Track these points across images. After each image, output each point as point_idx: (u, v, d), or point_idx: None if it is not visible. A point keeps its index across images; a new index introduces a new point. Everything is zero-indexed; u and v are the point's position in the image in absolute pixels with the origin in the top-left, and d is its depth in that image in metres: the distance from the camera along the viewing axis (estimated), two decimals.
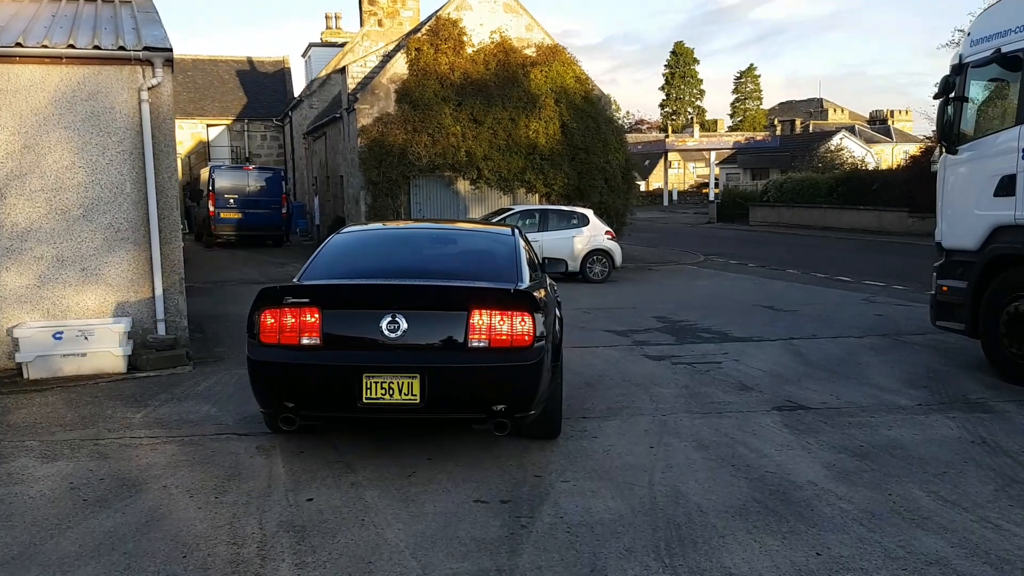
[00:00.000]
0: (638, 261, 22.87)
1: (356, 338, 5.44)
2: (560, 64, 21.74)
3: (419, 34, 21.21)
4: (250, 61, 43.47)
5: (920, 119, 60.32)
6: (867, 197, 34.35)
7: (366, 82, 21.91)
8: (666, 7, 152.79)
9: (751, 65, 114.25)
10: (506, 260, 6.41)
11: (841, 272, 19.75)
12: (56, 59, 8.67)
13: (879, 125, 71.48)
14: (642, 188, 79.78)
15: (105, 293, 9.01)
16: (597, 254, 18.35)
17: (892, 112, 75.12)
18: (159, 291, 9.08)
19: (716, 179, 61.89)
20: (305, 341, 5.34)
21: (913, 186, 31.12)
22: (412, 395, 5.22)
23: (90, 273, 8.94)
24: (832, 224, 35.92)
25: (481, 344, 5.33)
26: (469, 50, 21.04)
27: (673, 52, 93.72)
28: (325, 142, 27.32)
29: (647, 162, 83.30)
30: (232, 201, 25.60)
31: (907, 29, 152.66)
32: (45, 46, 8.64)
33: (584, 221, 18.67)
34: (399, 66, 20.69)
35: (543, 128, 21.26)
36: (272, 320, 5.39)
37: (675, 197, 68.31)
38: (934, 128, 9.84)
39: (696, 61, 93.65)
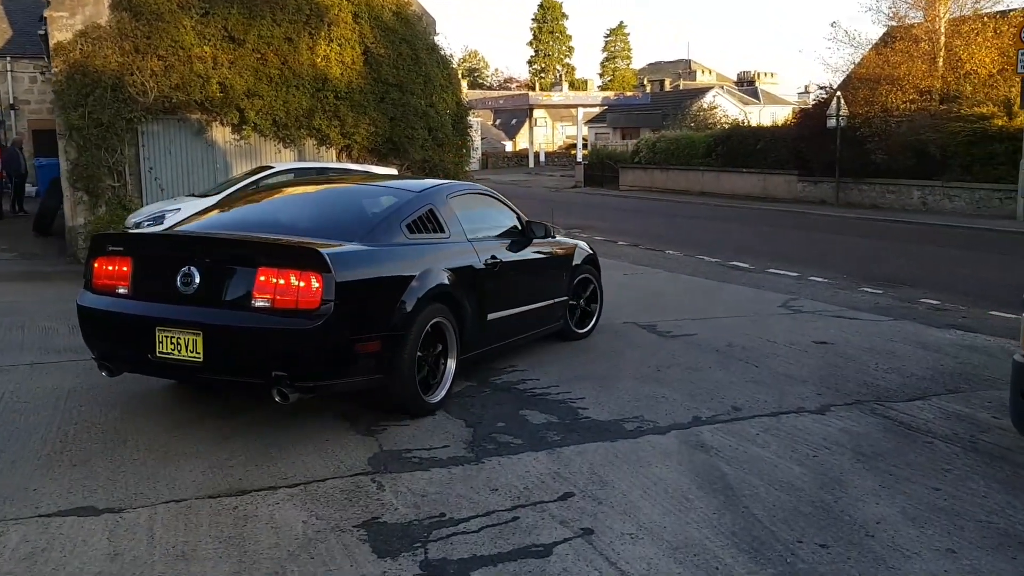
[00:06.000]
0: None
1: (156, 290, 5.21)
2: None
3: None
4: None
5: (795, 77, 57.00)
6: (751, 159, 29.85)
7: None
8: None
9: (621, 23, 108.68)
10: (368, 218, 5.85)
11: (736, 253, 14.74)
12: None
13: (746, 87, 68.01)
14: (508, 148, 74.57)
15: None
16: None
17: (759, 74, 72.11)
18: None
19: (584, 140, 57.14)
20: (120, 290, 5.31)
21: (804, 145, 26.76)
22: (196, 352, 4.91)
23: None
24: (711, 189, 31.27)
25: (263, 304, 4.85)
26: None
27: (540, 5, 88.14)
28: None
29: (514, 121, 78.08)
30: None
31: None
32: None
33: None
34: None
35: (336, 55, 15.11)
36: (98, 267, 5.43)
37: (543, 159, 63.06)
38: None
39: (565, 16, 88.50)
